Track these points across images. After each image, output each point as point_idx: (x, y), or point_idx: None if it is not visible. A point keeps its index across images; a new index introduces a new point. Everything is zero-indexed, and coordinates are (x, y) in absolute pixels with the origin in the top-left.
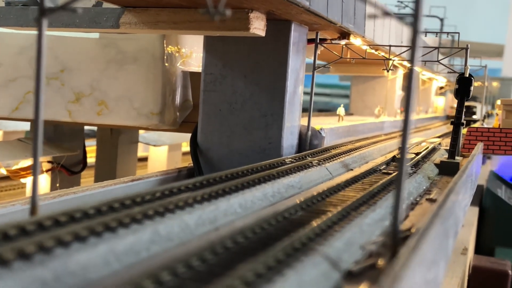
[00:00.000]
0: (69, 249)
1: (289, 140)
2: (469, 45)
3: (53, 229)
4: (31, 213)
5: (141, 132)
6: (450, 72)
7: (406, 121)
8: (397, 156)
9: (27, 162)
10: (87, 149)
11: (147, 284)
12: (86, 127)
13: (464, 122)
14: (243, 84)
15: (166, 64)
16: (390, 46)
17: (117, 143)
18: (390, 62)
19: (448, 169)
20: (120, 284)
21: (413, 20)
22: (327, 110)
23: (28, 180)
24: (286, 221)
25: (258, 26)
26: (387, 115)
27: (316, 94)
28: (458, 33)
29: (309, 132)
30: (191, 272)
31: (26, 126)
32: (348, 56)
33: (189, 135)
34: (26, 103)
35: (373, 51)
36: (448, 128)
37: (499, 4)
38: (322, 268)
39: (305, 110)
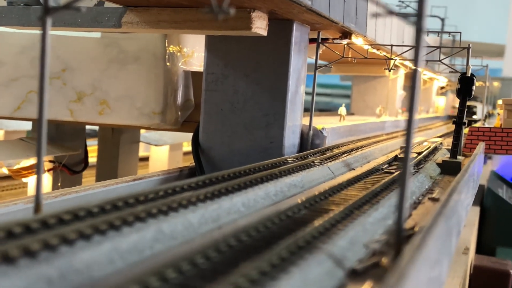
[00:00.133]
0: (74, 247)
1: (290, 139)
2: (470, 45)
3: (58, 227)
4: (35, 211)
5: (142, 131)
6: (452, 72)
7: (410, 120)
8: (399, 156)
9: (29, 161)
10: (89, 148)
11: (152, 281)
12: (87, 127)
13: (466, 121)
14: (245, 84)
15: (168, 64)
16: (391, 45)
17: (118, 142)
18: (392, 61)
19: (450, 168)
20: (126, 281)
21: (417, 19)
22: (328, 110)
23: (29, 180)
24: (290, 219)
25: (260, 25)
26: (388, 115)
27: (317, 94)
28: (460, 32)
29: (311, 132)
30: (196, 269)
31: (28, 125)
32: (350, 56)
33: (190, 134)
34: (28, 102)
35: (374, 50)
36: (449, 128)
37: (499, 4)
38: (326, 266)
39: (306, 110)
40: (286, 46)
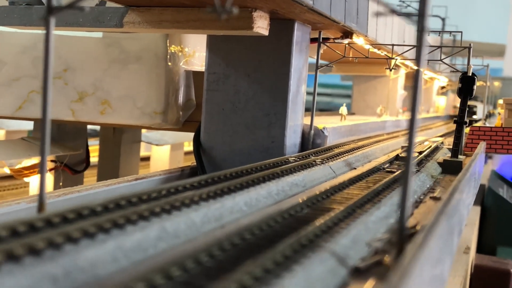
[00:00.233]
0: (78, 245)
1: (292, 139)
2: (471, 44)
3: (62, 225)
4: (38, 210)
5: (143, 131)
6: (452, 72)
7: (412, 119)
8: (400, 155)
9: (31, 161)
10: (90, 148)
11: (157, 279)
12: (88, 127)
13: (467, 121)
14: (246, 84)
15: (169, 64)
16: (393, 45)
17: (120, 142)
18: (393, 61)
19: (451, 167)
20: (131, 279)
21: (419, 19)
22: (329, 110)
23: (31, 179)
24: (292, 218)
25: (261, 25)
26: (389, 114)
27: (317, 94)
28: (461, 32)
29: (312, 131)
30: (200, 267)
31: (29, 125)
32: (351, 56)
33: (191, 134)
34: (30, 102)
35: (375, 50)
36: (449, 128)
37: (500, 4)
38: (329, 264)
39: (307, 110)
40: (288, 46)
